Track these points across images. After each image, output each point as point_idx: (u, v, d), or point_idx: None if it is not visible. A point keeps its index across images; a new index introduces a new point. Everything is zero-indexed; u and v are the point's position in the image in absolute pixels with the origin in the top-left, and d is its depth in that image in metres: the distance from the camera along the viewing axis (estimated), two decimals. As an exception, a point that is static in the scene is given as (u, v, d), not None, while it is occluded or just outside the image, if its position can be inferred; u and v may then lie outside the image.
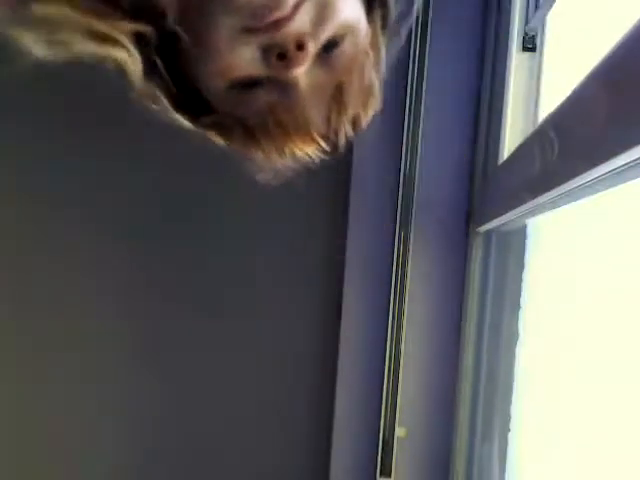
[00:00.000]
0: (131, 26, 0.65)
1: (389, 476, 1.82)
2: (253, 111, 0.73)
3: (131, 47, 0.65)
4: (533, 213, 1.31)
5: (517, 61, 1.56)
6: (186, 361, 1.99)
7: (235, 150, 0.78)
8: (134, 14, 0.65)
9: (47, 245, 1.99)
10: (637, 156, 0.78)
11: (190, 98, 0.74)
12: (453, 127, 1.78)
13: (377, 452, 1.84)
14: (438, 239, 1.80)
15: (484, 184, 1.69)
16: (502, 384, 1.65)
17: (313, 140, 0.77)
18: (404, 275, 1.80)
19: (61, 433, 2.00)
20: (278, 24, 0.65)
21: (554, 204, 1.13)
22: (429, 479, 1.84)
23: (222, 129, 0.77)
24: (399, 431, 1.82)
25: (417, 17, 1.70)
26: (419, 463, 1.84)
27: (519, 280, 1.61)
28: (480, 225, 1.67)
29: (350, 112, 0.77)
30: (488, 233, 1.70)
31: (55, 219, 1.98)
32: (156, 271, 1.98)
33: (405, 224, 1.77)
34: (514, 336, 1.61)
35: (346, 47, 0.72)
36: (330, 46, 0.71)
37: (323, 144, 0.78)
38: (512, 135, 1.56)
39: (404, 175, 1.78)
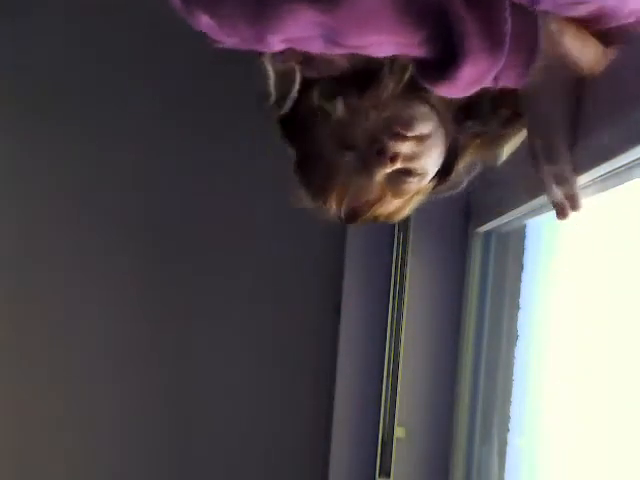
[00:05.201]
0: None
1: (388, 477, 1.82)
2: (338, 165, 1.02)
3: None
4: (533, 213, 1.30)
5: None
6: (186, 361, 1.99)
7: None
8: None
9: (46, 245, 1.99)
10: (637, 157, 0.78)
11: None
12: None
13: (376, 453, 1.83)
14: (437, 239, 1.80)
15: (484, 184, 1.68)
16: (501, 384, 1.65)
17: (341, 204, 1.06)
18: (403, 275, 1.80)
19: (61, 433, 2.00)
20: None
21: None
22: (428, 480, 1.84)
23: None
24: (398, 432, 1.82)
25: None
26: (418, 464, 1.83)
27: (518, 280, 1.61)
28: (480, 225, 1.66)
29: (379, 213, 1.08)
30: (488, 233, 1.70)
31: (55, 218, 1.98)
32: (157, 270, 1.98)
33: (404, 224, 1.76)
34: (513, 336, 1.61)
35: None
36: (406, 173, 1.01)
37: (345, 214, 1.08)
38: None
39: (404, 175, 1.77)
